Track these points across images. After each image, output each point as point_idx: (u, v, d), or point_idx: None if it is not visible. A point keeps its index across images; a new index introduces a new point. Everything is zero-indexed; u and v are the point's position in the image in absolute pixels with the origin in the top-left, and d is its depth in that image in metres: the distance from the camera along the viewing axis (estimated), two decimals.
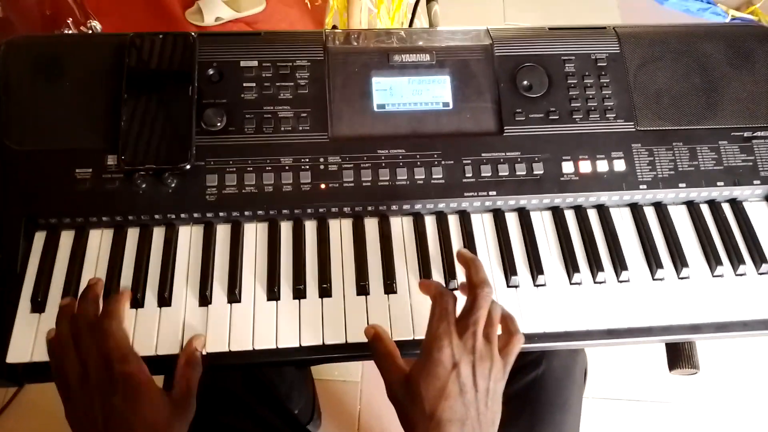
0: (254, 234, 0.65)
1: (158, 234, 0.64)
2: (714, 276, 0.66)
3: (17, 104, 0.64)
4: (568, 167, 0.67)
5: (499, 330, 0.55)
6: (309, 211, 0.65)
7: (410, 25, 1.21)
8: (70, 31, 1.31)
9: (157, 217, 0.63)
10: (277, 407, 0.80)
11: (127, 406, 0.49)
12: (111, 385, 0.50)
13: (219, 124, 0.65)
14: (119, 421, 0.49)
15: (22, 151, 0.63)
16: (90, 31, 1.38)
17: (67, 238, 0.63)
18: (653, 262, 0.66)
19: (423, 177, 0.66)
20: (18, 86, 0.65)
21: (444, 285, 0.63)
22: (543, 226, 0.68)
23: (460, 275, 0.64)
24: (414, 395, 0.50)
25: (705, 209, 0.71)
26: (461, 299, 0.55)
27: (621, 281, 0.65)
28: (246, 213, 0.64)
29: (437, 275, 0.64)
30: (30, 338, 0.58)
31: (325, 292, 0.62)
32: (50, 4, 1.26)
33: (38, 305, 0.59)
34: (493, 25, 0.74)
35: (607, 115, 0.69)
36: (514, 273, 0.64)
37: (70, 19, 1.32)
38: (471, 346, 0.51)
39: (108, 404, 0.49)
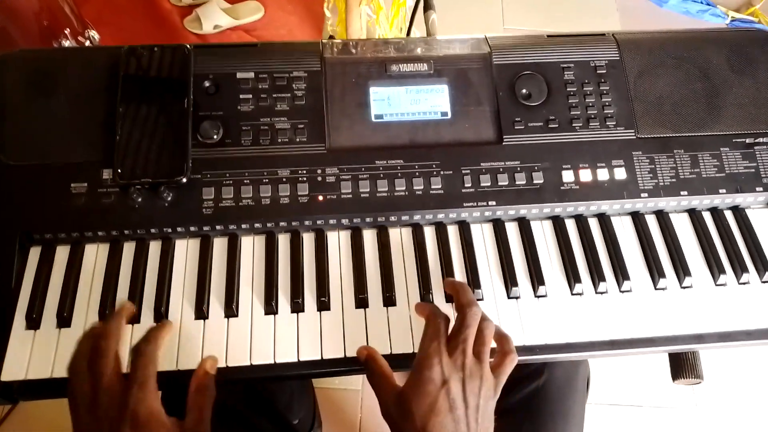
0: (251, 247, 0.64)
1: (155, 248, 0.64)
2: (717, 285, 0.66)
3: (11, 118, 0.64)
4: (568, 176, 0.67)
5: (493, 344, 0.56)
6: (307, 223, 0.65)
7: (408, 34, 1.20)
8: (68, 42, 1.30)
9: (153, 231, 0.63)
10: (276, 418, 0.80)
11: None
12: (121, 413, 0.48)
13: (215, 137, 0.64)
14: None
15: (17, 165, 0.62)
16: (88, 41, 1.38)
17: (62, 253, 0.63)
18: (655, 271, 0.65)
19: (422, 187, 0.65)
20: (12, 100, 0.64)
21: (445, 296, 0.63)
22: (543, 235, 0.67)
23: None
24: (406, 412, 0.51)
25: (707, 217, 0.70)
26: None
27: (623, 291, 0.64)
28: (243, 226, 0.64)
29: (437, 287, 0.64)
30: (25, 356, 0.57)
31: (323, 305, 0.62)
32: (48, 15, 1.25)
33: (33, 322, 0.58)
34: (493, 31, 0.73)
35: (607, 123, 0.69)
36: (515, 284, 0.64)
37: (68, 29, 1.32)
38: (461, 363, 0.52)
39: None
